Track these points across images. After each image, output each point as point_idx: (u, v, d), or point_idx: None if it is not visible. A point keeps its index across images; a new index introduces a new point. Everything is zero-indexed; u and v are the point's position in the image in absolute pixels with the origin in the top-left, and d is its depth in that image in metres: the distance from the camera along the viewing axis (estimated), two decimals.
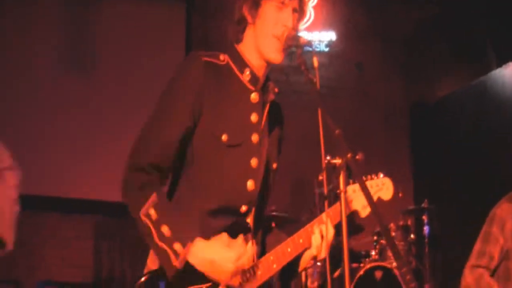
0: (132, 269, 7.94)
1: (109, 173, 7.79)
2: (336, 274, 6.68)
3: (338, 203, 2.89)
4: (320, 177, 2.76)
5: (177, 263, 2.67)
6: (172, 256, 2.67)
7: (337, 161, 2.59)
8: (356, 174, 2.48)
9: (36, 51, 8.10)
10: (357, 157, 2.55)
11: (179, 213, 2.80)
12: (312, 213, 7.25)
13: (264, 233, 3.19)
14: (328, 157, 2.63)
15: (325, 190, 2.72)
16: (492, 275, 4.42)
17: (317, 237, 3.03)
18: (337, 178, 2.58)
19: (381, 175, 3.37)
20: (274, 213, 7.10)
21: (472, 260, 4.43)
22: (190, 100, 2.85)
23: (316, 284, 6.99)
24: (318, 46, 9.37)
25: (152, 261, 2.85)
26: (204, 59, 2.94)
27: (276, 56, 2.98)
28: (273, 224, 3.06)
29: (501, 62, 8.84)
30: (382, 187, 3.33)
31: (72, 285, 7.82)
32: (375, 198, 3.29)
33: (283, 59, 3.01)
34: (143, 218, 2.73)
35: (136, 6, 8.61)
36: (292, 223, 7.17)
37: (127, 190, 2.83)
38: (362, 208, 3.21)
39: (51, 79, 8.10)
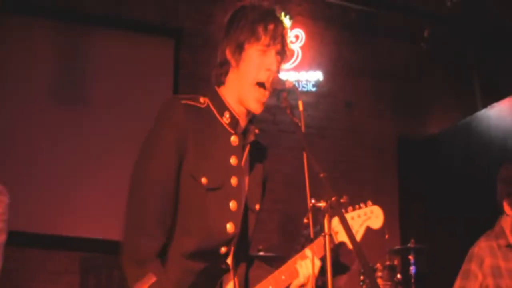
0: None
1: (96, 211, 7.83)
2: None
3: (321, 238, 2.93)
4: (306, 220, 2.77)
5: None
6: None
7: (322, 204, 2.59)
8: (337, 207, 2.48)
9: (25, 83, 8.11)
10: (341, 200, 2.57)
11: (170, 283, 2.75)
12: (298, 251, 7.22)
13: (247, 267, 3.16)
14: (313, 200, 2.64)
15: (311, 233, 2.72)
16: None
17: (304, 266, 3.02)
18: (322, 221, 2.59)
19: (370, 203, 3.32)
20: (261, 253, 7.09)
21: None
22: (174, 140, 2.85)
23: None
24: (305, 86, 9.41)
25: None
26: (184, 102, 2.93)
27: (256, 107, 2.98)
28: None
29: (486, 103, 8.94)
30: (371, 215, 3.28)
31: None
32: (363, 227, 3.25)
33: (270, 99, 3.00)
34: None
35: (126, 41, 8.66)
36: (280, 262, 7.14)
37: (126, 251, 2.77)
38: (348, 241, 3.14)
39: (39, 112, 8.10)
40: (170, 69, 8.89)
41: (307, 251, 3.04)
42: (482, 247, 4.58)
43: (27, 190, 7.66)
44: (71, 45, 8.37)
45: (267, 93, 2.97)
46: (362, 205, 3.32)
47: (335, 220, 3.06)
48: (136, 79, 8.59)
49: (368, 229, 3.29)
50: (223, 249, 2.92)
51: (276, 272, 3.03)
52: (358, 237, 3.14)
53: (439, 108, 10.21)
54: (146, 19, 8.84)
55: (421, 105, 10.25)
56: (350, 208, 3.22)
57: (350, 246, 3.03)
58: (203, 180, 2.86)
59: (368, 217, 3.27)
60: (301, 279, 3.04)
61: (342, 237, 3.17)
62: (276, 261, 7.02)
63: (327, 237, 2.61)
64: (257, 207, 3.15)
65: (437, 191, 9.13)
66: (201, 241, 2.87)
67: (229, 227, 2.93)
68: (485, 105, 8.95)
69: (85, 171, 8.04)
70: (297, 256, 3.06)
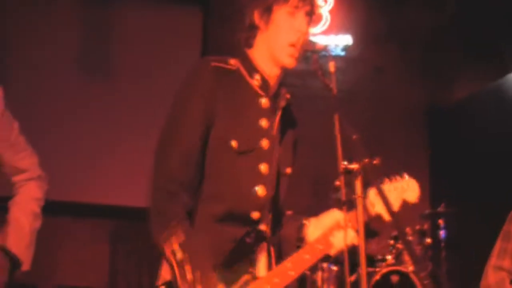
0: (149, 275, 7.95)
1: (123, 178, 7.87)
2: (353, 278, 6.67)
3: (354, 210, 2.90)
4: (338, 182, 2.75)
5: None
6: None
7: (354, 166, 2.57)
8: (375, 179, 2.47)
9: (51, 51, 8.12)
10: (374, 162, 2.54)
11: (202, 251, 2.73)
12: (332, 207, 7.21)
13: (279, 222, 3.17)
14: (345, 162, 2.62)
15: (343, 196, 2.70)
16: None
17: (338, 238, 3.00)
18: (355, 184, 2.57)
19: (406, 177, 3.28)
20: (289, 213, 7.10)
21: (493, 260, 4.28)
22: (202, 107, 2.85)
23: None
24: (334, 50, 9.35)
25: (166, 271, 2.83)
26: (213, 64, 2.93)
27: (290, 61, 2.97)
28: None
29: None
30: (407, 188, 3.24)
31: None
32: (399, 200, 3.21)
33: (299, 63, 3.00)
34: (168, 253, 2.69)
35: (153, 11, 8.62)
36: None
37: (153, 216, 2.79)
38: (386, 211, 3.07)
39: (66, 80, 8.14)
40: (198, 38, 8.86)
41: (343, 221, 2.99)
42: None
43: (54, 158, 7.67)
44: (96, 14, 8.38)
45: (298, 51, 2.96)
46: (398, 177, 3.28)
47: (372, 192, 3.08)
48: (163, 49, 8.57)
49: (404, 202, 3.25)
50: (255, 214, 2.92)
51: (313, 241, 3.01)
52: (394, 209, 3.08)
53: (468, 72, 10.08)
54: None
55: (451, 70, 10.14)
56: (386, 180, 3.19)
57: (386, 218, 3.05)
58: (233, 143, 2.86)
59: (404, 190, 3.22)
60: (336, 250, 3.02)
61: (379, 208, 3.12)
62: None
63: (358, 199, 2.61)
64: (288, 170, 3.15)
65: (468, 156, 9.06)
66: (231, 205, 2.87)
67: (260, 190, 2.92)
68: None
69: (112, 140, 8.09)
70: (334, 225, 3.03)
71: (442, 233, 7.25)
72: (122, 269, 8.04)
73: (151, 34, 8.55)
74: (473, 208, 7.12)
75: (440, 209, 7.26)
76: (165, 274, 2.85)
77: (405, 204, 3.22)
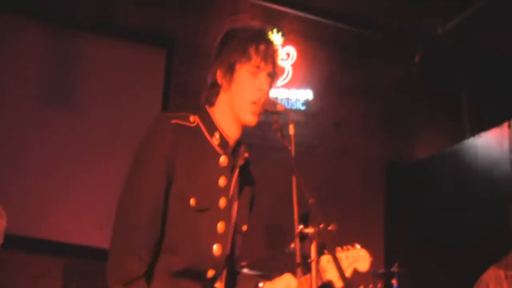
0: None
1: (81, 217, 7.78)
2: None
3: (309, 274, 2.90)
4: (292, 245, 2.75)
5: None
6: None
7: (310, 230, 2.57)
8: (329, 246, 2.47)
9: (13, 84, 8.03)
10: (329, 227, 2.55)
11: None
12: (281, 270, 7.18)
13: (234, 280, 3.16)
14: (301, 226, 2.62)
15: (298, 259, 2.70)
16: None
17: None
18: (309, 247, 2.57)
19: (358, 246, 3.30)
20: (245, 270, 7.05)
21: None
22: (163, 165, 2.84)
23: None
24: (295, 104, 9.41)
25: None
26: (174, 121, 2.92)
27: (251, 119, 2.98)
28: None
29: (475, 132, 8.98)
30: (359, 258, 3.26)
31: None
32: (351, 269, 3.23)
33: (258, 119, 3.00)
34: None
35: (118, 48, 8.61)
36: (264, 279, 7.09)
37: (113, 280, 2.75)
38: (337, 279, 3.10)
39: (27, 115, 8.00)
40: (161, 78, 8.85)
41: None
42: (490, 275, 4.85)
43: (12, 191, 7.62)
44: (61, 49, 8.29)
45: (259, 110, 2.97)
46: (350, 247, 3.30)
47: (324, 259, 3.10)
48: (127, 87, 8.55)
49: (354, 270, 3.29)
50: (210, 272, 2.89)
51: None
52: (347, 276, 3.12)
53: (427, 133, 10.23)
54: (139, 27, 8.81)
55: (410, 129, 10.27)
56: (338, 248, 3.22)
57: (337, 285, 3.08)
58: (192, 201, 2.85)
59: (355, 259, 3.25)
60: None
61: (330, 275, 3.14)
62: (261, 279, 6.98)
63: (313, 264, 2.60)
64: (245, 228, 3.15)
65: (423, 216, 9.15)
66: (188, 261, 2.85)
67: (216, 248, 2.90)
68: (473, 134, 9.00)
69: (73, 176, 7.98)
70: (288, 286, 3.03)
71: None
72: None
73: (116, 72, 8.52)
74: (426, 268, 7.16)
75: (394, 268, 7.28)
76: None
77: (356, 273, 3.25)
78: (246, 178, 3.16)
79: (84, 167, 8.05)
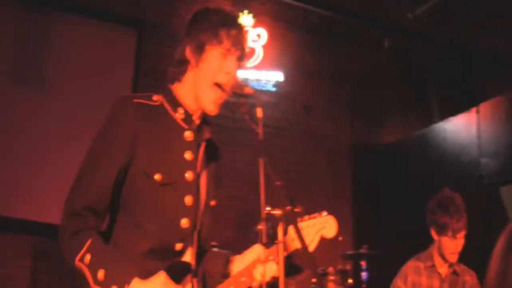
0: None
1: (51, 195, 7.72)
2: None
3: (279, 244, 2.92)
4: (260, 227, 2.77)
5: None
6: None
7: (277, 212, 2.59)
8: (293, 221, 2.48)
9: None
10: (296, 209, 2.56)
11: (115, 256, 2.77)
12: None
13: (205, 257, 3.18)
14: (268, 208, 2.64)
15: (264, 240, 2.72)
16: None
17: (260, 271, 3.01)
18: (276, 228, 2.59)
19: (324, 213, 3.29)
20: (215, 249, 7.07)
21: None
22: (123, 144, 2.86)
23: None
24: (265, 85, 9.40)
25: None
26: (135, 100, 2.94)
27: (211, 108, 3.01)
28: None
29: (443, 116, 9.06)
30: (326, 225, 3.24)
31: None
32: (318, 236, 3.21)
33: (224, 102, 3.02)
34: (78, 264, 2.72)
35: (90, 28, 8.56)
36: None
37: (63, 238, 2.83)
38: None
39: (1, 96, 7.96)
40: (131, 59, 8.81)
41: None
42: (409, 266, 5.29)
43: None
44: (32, 28, 8.22)
45: (224, 95, 2.99)
46: (317, 214, 3.29)
47: (292, 230, 3.10)
48: (97, 67, 8.49)
49: (322, 238, 3.29)
50: (178, 246, 2.92)
51: (237, 274, 3.03)
52: (313, 245, 3.11)
53: (396, 118, 10.29)
54: (109, 7, 8.75)
55: (378, 113, 10.33)
56: (306, 217, 3.22)
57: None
58: (157, 177, 2.87)
59: (322, 227, 3.24)
60: (258, 282, 3.03)
61: (298, 244, 3.13)
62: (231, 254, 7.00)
63: (280, 244, 2.63)
64: (213, 202, 3.17)
65: (390, 199, 9.23)
66: (155, 237, 2.87)
67: (184, 222, 2.93)
68: (441, 118, 9.07)
69: (42, 155, 7.93)
70: (256, 259, 3.04)
71: (364, 274, 7.31)
72: (43, 287, 7.89)
73: (87, 50, 8.46)
74: (395, 250, 7.21)
75: (363, 250, 7.33)
76: None
77: (323, 240, 3.26)
78: (211, 153, 3.18)
79: (54, 146, 8.00)
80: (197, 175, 3.01)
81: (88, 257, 2.71)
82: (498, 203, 7.74)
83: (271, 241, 2.80)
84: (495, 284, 1.49)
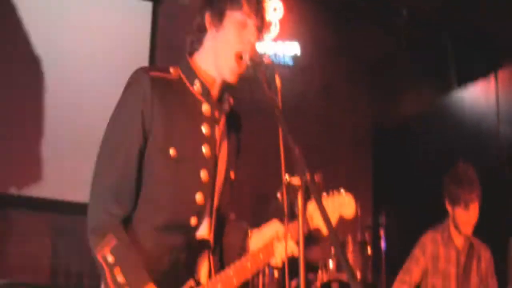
0: (91, 269, 7.90)
1: (68, 173, 7.78)
2: (293, 284, 6.71)
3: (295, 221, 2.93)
4: (279, 195, 2.77)
5: None
6: None
7: (296, 180, 2.59)
8: (315, 193, 2.47)
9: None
10: (315, 177, 2.56)
11: (136, 262, 2.77)
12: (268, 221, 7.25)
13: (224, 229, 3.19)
14: (287, 176, 2.64)
15: (285, 208, 2.72)
16: None
17: (280, 248, 3.05)
18: (296, 197, 2.59)
19: (343, 192, 3.33)
20: (234, 221, 7.10)
21: (400, 275, 5.37)
22: (139, 120, 2.84)
23: None
24: (283, 59, 9.38)
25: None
26: (151, 74, 2.90)
27: (231, 77, 2.98)
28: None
29: (461, 83, 9.01)
30: (344, 203, 3.30)
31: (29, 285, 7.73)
32: (336, 215, 3.26)
33: (247, 71, 2.98)
34: (100, 259, 2.75)
35: (105, 2, 8.62)
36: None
37: (90, 233, 2.81)
38: (324, 226, 3.11)
39: (5, 66, 8.03)
40: (147, 33, 8.83)
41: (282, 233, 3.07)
42: (427, 237, 5.39)
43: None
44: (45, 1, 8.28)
45: (244, 64, 2.96)
46: (335, 192, 3.33)
47: (311, 206, 3.15)
48: (113, 41, 8.52)
49: (340, 217, 3.31)
50: (193, 221, 2.91)
51: (256, 250, 3.04)
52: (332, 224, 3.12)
53: (414, 91, 10.23)
54: None
55: (397, 88, 10.26)
56: (324, 194, 3.23)
57: (324, 231, 3.05)
58: (172, 152, 2.85)
59: (341, 205, 3.30)
60: (277, 259, 3.07)
61: (317, 222, 3.19)
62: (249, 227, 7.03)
63: (300, 213, 2.62)
64: (233, 176, 3.15)
65: (411, 171, 9.21)
66: (170, 212, 2.87)
67: (199, 197, 2.91)
68: (460, 86, 9.02)
69: (61, 134, 7.98)
70: (274, 236, 3.07)
71: (382, 244, 7.35)
72: (64, 263, 7.96)
73: (104, 24, 8.50)
74: (413, 221, 7.24)
75: (382, 220, 7.35)
76: None
77: (341, 219, 3.27)
78: (233, 126, 3.17)
79: (73, 124, 8.04)
80: (215, 150, 3.00)
81: (110, 258, 2.73)
82: None
83: (290, 210, 2.80)
84: None
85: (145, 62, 8.52)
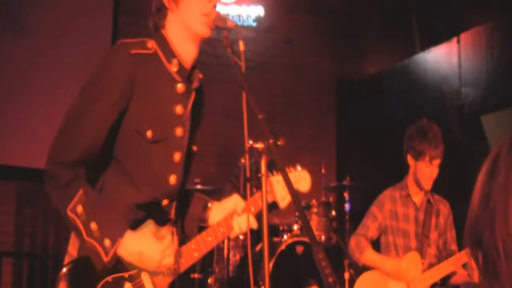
0: (55, 236, 7.89)
1: (33, 140, 7.72)
2: (258, 247, 6.76)
3: (257, 194, 3.05)
4: (243, 160, 2.79)
5: (106, 258, 2.68)
6: (102, 252, 2.68)
7: (259, 145, 2.61)
8: (279, 163, 2.49)
9: None
10: (278, 142, 2.57)
11: (107, 207, 2.76)
12: (232, 183, 7.29)
13: (187, 200, 3.21)
14: (251, 141, 2.66)
15: (248, 173, 2.74)
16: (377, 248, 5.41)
17: (239, 223, 3.09)
18: (259, 161, 2.60)
19: (299, 168, 3.39)
20: (198, 186, 7.13)
21: (357, 230, 5.44)
22: (116, 96, 2.79)
23: (238, 256, 7.06)
24: (246, 20, 9.35)
25: (73, 247, 2.84)
26: (133, 52, 2.85)
27: (204, 30, 2.93)
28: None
29: (424, 46, 9.07)
30: (300, 179, 3.36)
31: None
32: None
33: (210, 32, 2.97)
34: (71, 214, 2.70)
35: None
36: (217, 194, 7.17)
37: (52, 187, 2.77)
38: (281, 199, 3.20)
39: None
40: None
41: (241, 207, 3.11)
42: (385, 195, 5.45)
43: None
44: None
45: (212, 19, 2.94)
46: (291, 168, 3.39)
47: (274, 180, 3.20)
48: (76, 5, 8.38)
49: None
50: (164, 202, 2.94)
51: (216, 225, 3.06)
52: (288, 199, 3.19)
53: (378, 48, 10.27)
54: None
55: (361, 45, 10.30)
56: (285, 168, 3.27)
57: (281, 205, 3.21)
58: (148, 134, 2.84)
59: (297, 181, 3.34)
60: (235, 233, 3.11)
61: (276, 196, 3.23)
62: (213, 194, 7.07)
63: (263, 177, 2.65)
64: (195, 148, 3.15)
65: (373, 130, 9.28)
66: (144, 193, 2.87)
67: (172, 179, 2.94)
68: (423, 49, 9.08)
69: (22, 100, 7.89)
70: (234, 210, 3.09)
71: (346, 205, 7.41)
72: (28, 230, 7.93)
73: None
74: (377, 182, 7.30)
75: (345, 182, 7.41)
76: (72, 250, 2.85)
77: (302, 192, 3.34)
78: (199, 101, 3.15)
79: (34, 90, 7.95)
80: (185, 130, 2.99)
81: (80, 208, 2.69)
82: (479, 132, 7.82)
83: (254, 175, 2.81)
84: (478, 210, 1.51)
85: (108, 26, 8.43)
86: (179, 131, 2.95)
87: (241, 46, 2.80)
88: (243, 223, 3.07)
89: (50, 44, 8.11)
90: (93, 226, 2.68)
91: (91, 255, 2.72)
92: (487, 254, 1.54)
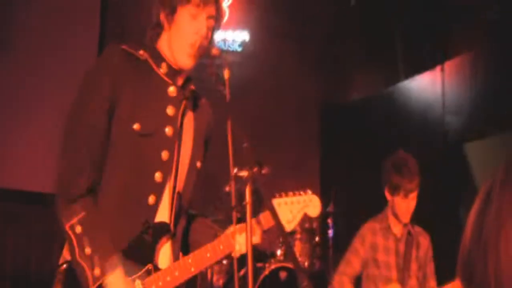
0: (36, 255, 7.84)
1: (17, 162, 7.68)
2: (242, 272, 6.74)
3: (263, 214, 3.05)
4: (228, 188, 2.80)
5: (93, 286, 2.71)
6: (90, 279, 2.71)
7: (244, 173, 2.62)
8: (265, 197, 2.50)
9: None
10: (263, 171, 2.58)
11: (105, 236, 2.79)
12: (216, 208, 7.26)
13: (188, 223, 3.23)
14: (236, 169, 2.67)
15: (233, 201, 2.74)
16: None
17: (240, 242, 3.05)
18: (244, 190, 2.62)
19: (309, 192, 3.36)
20: (203, 218, 7.09)
21: (341, 267, 5.32)
22: (108, 87, 2.88)
23: (221, 281, 7.05)
24: (231, 45, 9.39)
25: (67, 252, 2.85)
26: (124, 47, 2.97)
27: (188, 62, 3.02)
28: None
29: (408, 74, 9.12)
30: (309, 203, 3.32)
31: None
32: (301, 213, 3.29)
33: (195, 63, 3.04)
34: (68, 230, 2.77)
35: None
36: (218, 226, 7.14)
37: (60, 202, 2.82)
38: (287, 222, 3.21)
39: None
40: (96, 22, 8.72)
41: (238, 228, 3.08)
42: (366, 228, 5.37)
43: None
44: None
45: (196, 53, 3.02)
46: (302, 192, 3.35)
47: (275, 202, 3.20)
48: (62, 19, 8.39)
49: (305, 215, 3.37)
50: (151, 200, 2.93)
51: (216, 241, 3.06)
52: (296, 222, 3.22)
53: (362, 76, 10.31)
54: None
55: (345, 71, 10.34)
56: (290, 193, 3.29)
57: (287, 229, 3.22)
58: (136, 126, 2.89)
59: (306, 205, 3.31)
60: (237, 253, 3.08)
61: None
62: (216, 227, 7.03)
63: (248, 206, 2.65)
64: (198, 164, 3.19)
65: (357, 156, 9.29)
66: (129, 187, 2.90)
67: (158, 176, 2.95)
68: (407, 76, 9.12)
69: (8, 119, 7.86)
70: (236, 229, 3.07)
71: (330, 232, 7.41)
72: (10, 249, 7.88)
73: (50, 12, 8.34)
74: (361, 208, 7.31)
75: (329, 209, 7.41)
76: (66, 253, 2.87)
77: (311, 217, 3.35)
78: (203, 115, 3.25)
79: (19, 110, 7.92)
80: (178, 132, 3.04)
81: (79, 229, 2.76)
82: (463, 160, 7.85)
83: (239, 202, 2.82)
84: (470, 244, 1.52)
85: (95, 37, 8.45)
86: (169, 131, 2.99)
87: (226, 74, 2.84)
88: (244, 243, 3.02)
89: (35, 59, 8.09)
90: (87, 251, 2.73)
91: (79, 275, 2.75)
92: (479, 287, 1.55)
